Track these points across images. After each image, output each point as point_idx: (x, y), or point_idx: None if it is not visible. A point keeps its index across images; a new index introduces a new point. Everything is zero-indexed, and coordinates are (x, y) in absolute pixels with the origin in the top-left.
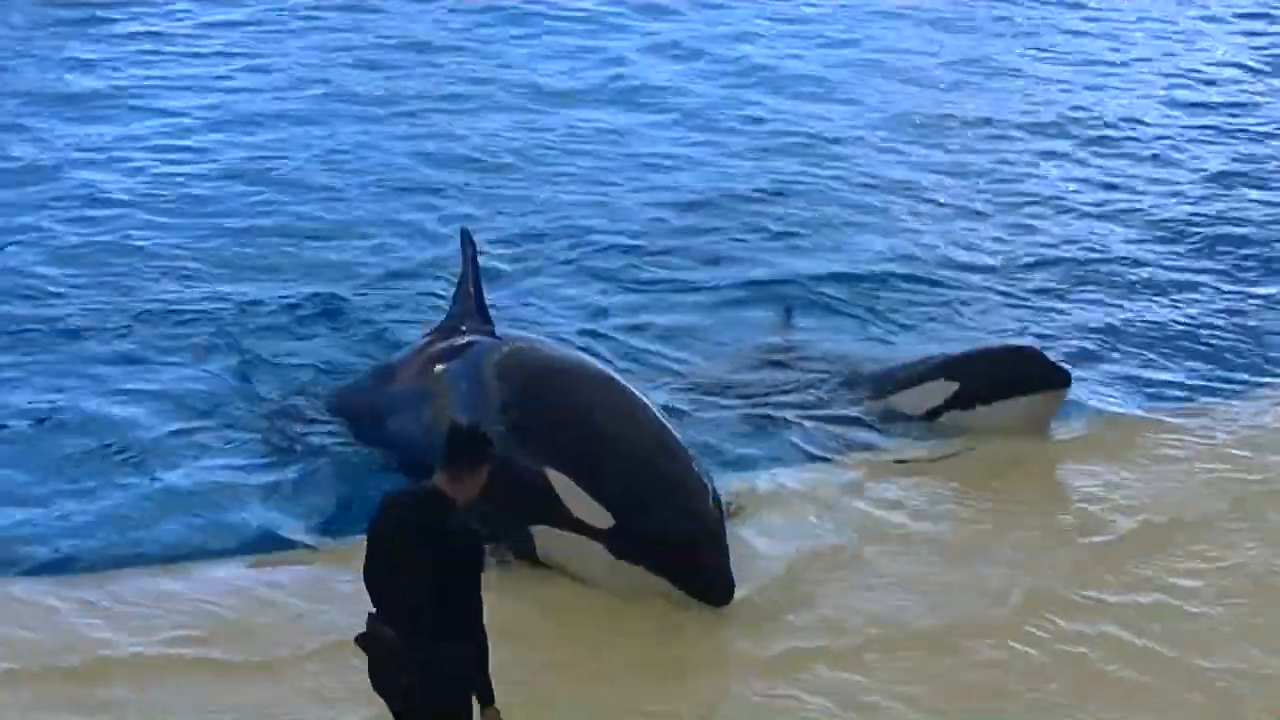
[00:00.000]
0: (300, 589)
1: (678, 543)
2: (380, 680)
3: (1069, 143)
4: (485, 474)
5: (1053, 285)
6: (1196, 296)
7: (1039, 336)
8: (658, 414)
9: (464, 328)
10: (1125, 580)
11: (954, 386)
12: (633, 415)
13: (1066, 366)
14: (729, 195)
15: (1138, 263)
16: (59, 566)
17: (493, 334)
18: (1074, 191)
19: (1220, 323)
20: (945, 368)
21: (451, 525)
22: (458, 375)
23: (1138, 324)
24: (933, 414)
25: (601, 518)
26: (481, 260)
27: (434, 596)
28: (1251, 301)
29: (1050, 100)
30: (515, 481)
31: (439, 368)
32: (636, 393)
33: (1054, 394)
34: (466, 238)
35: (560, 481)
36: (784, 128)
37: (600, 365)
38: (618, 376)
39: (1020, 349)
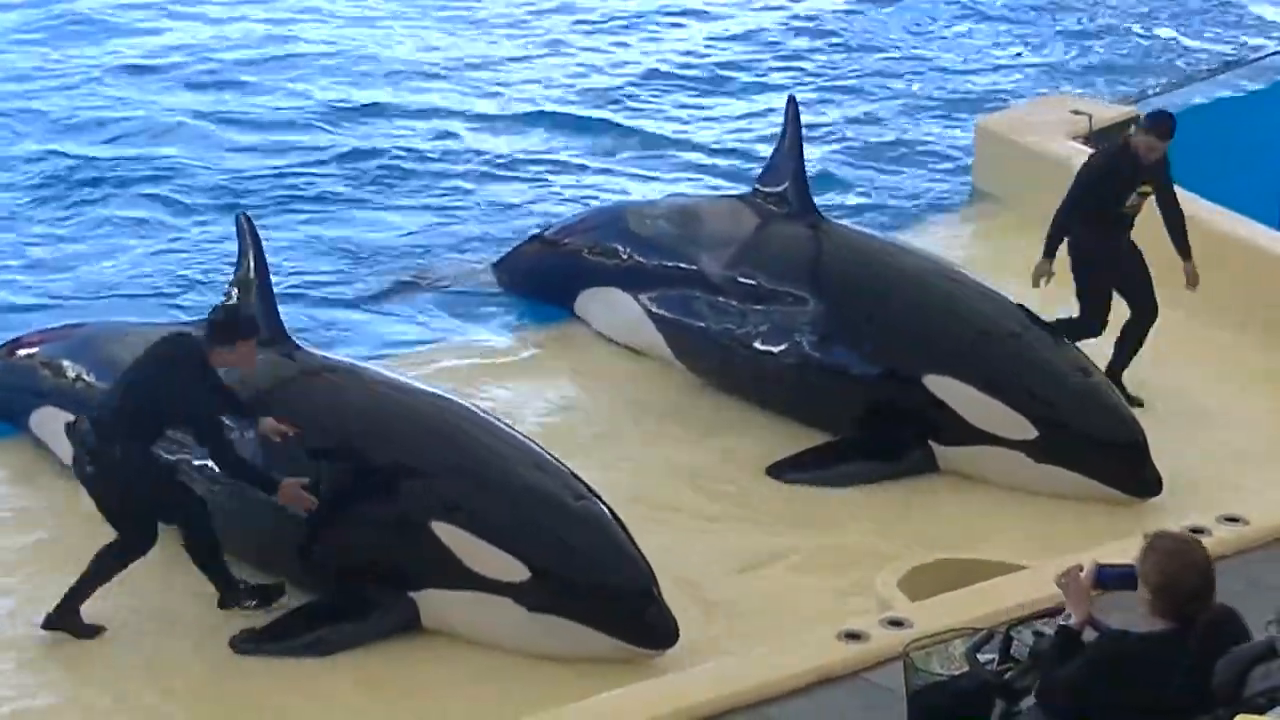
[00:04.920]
0: None
1: (613, 590)
2: (76, 466)
3: None
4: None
5: None
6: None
7: None
8: (521, 435)
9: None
10: None
11: (1031, 432)
12: (511, 446)
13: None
14: None
15: None
16: None
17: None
18: None
19: None
20: (1032, 399)
21: (189, 374)
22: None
23: None
24: (995, 440)
25: (510, 570)
26: None
27: (148, 412)
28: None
29: None
30: (387, 540)
31: None
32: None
33: (1132, 501)
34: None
35: (451, 534)
36: None
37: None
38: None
39: (1132, 434)
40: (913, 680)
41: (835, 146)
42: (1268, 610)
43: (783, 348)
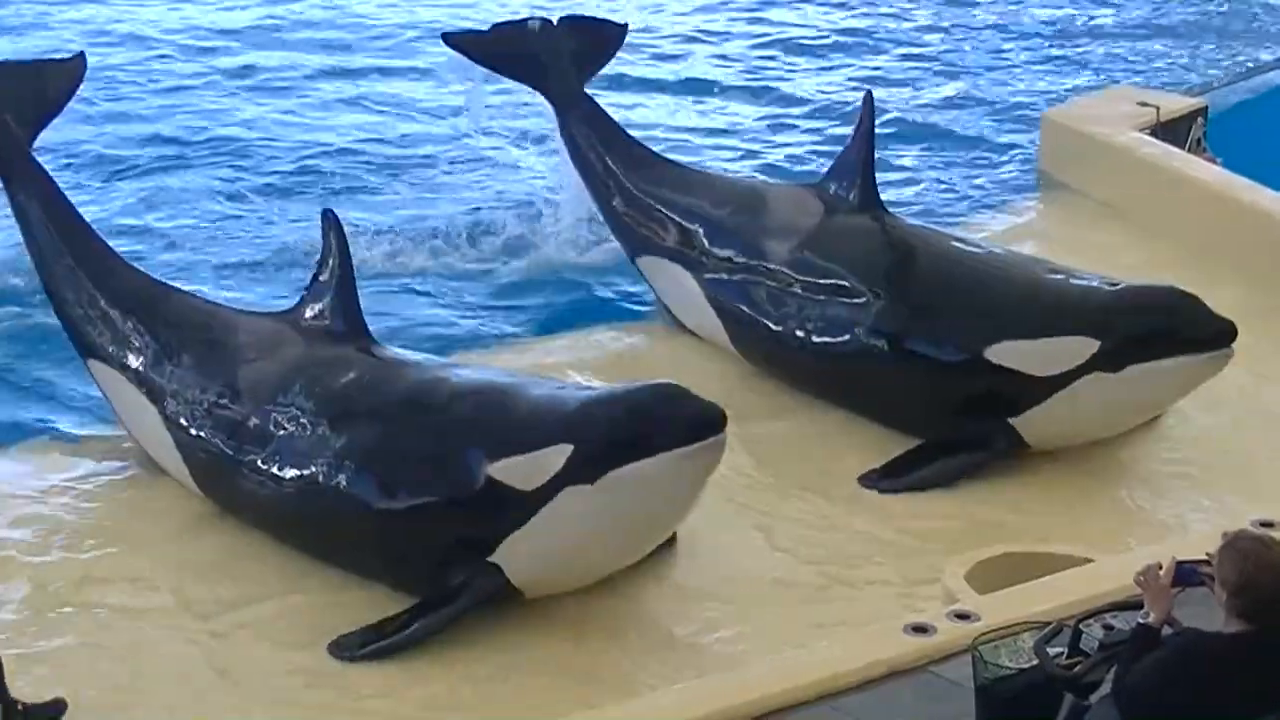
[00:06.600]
0: None
1: (644, 409)
2: None
3: None
4: None
5: None
6: None
7: None
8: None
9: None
10: None
11: (1094, 344)
12: (537, 379)
13: (1230, 323)
14: None
15: None
16: None
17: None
18: None
19: None
20: (1078, 317)
21: None
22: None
23: None
24: (1068, 377)
25: (555, 459)
26: None
27: None
28: None
29: None
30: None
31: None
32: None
33: (1219, 355)
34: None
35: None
36: None
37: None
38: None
39: (1178, 297)
40: (981, 673)
41: (900, 139)
42: None
43: (835, 339)
